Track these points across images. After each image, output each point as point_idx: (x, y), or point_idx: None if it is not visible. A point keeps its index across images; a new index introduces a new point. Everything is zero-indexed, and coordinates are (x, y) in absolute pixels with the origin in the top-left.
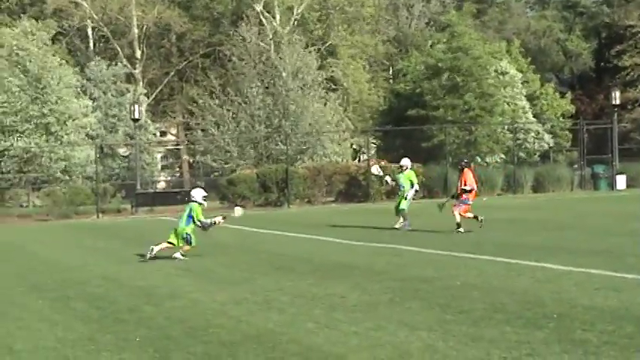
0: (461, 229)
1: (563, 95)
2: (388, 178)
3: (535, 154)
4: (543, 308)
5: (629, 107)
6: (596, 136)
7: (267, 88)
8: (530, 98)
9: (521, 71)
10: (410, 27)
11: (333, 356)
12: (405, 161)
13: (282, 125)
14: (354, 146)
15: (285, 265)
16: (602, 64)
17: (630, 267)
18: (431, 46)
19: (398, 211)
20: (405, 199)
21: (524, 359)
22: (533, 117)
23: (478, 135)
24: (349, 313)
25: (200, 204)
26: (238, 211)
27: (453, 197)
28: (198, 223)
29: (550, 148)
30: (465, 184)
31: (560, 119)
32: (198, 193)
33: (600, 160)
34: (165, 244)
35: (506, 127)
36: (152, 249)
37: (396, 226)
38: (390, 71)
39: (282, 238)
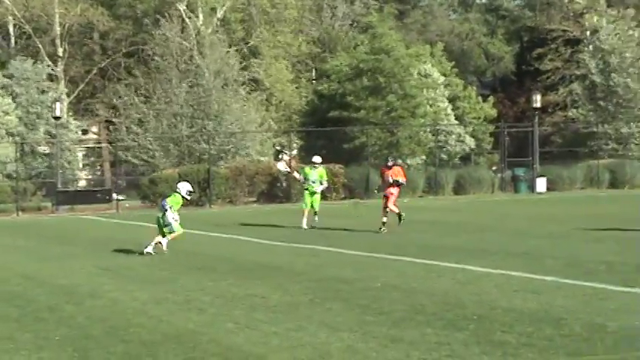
0: (384, 229)
1: (485, 98)
2: (297, 174)
3: (456, 156)
4: (463, 310)
5: (549, 111)
6: (517, 139)
7: (191, 87)
8: (452, 100)
9: (444, 74)
10: (333, 28)
11: (253, 356)
12: (317, 158)
13: (204, 125)
14: (276, 146)
15: (206, 265)
16: (523, 67)
17: (549, 269)
18: (354, 47)
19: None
20: (314, 194)
21: None
22: (455, 119)
23: (400, 136)
24: (270, 313)
25: (183, 197)
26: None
27: (380, 192)
28: (168, 211)
29: (471, 150)
30: (396, 177)
31: (482, 122)
32: (183, 187)
33: (521, 162)
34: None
35: (428, 128)
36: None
37: (303, 226)
38: (314, 72)
39: (204, 238)
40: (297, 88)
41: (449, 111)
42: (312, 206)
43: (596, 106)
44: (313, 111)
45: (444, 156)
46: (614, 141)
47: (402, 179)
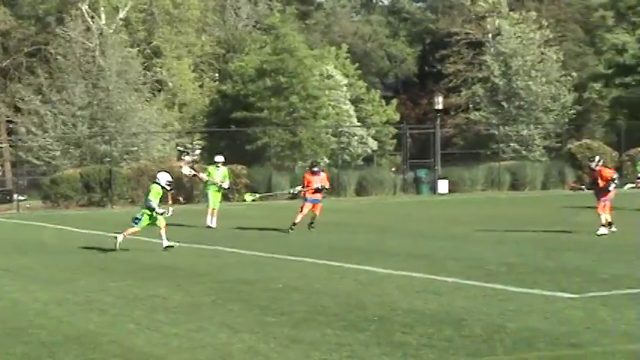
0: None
1: (388, 100)
2: (203, 176)
3: (359, 157)
4: (364, 311)
5: (451, 113)
6: (420, 141)
7: (94, 87)
8: (355, 102)
9: (347, 75)
10: (237, 29)
11: (153, 357)
12: (220, 157)
13: (106, 125)
14: (179, 147)
15: (107, 266)
16: (426, 69)
17: (450, 271)
18: (260, 48)
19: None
20: (219, 191)
21: None
22: (358, 121)
23: (302, 137)
24: (170, 314)
25: (163, 188)
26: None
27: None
28: (148, 202)
29: (374, 152)
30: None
31: (385, 124)
32: (163, 177)
33: (423, 164)
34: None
35: (330, 130)
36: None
37: (211, 225)
38: (218, 72)
39: (105, 239)
40: (200, 87)
41: (351, 112)
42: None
43: (498, 109)
44: (217, 111)
45: (347, 157)
46: (515, 143)
47: (327, 185)
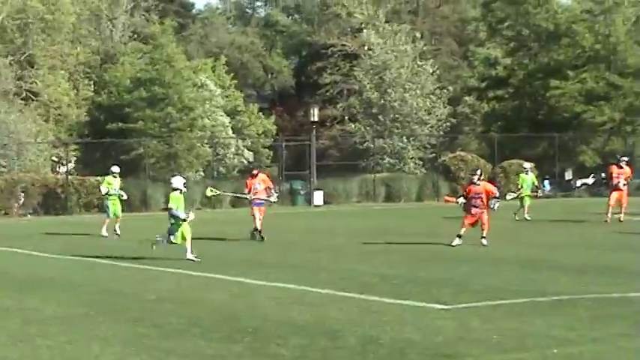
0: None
1: (265, 112)
2: (103, 188)
3: (235, 169)
4: (238, 322)
5: (327, 124)
6: (296, 152)
7: None
8: (231, 114)
9: (223, 87)
10: (112, 40)
11: None
12: (116, 168)
13: None
14: (53, 158)
15: None
16: (302, 80)
17: (325, 282)
18: (139, 59)
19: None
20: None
21: None
22: (234, 132)
23: (178, 149)
24: (43, 326)
25: (181, 191)
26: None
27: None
28: (171, 211)
29: (250, 163)
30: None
31: (261, 135)
32: (178, 181)
33: (298, 175)
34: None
35: (206, 141)
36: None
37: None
38: (93, 83)
39: None
40: (76, 96)
41: (227, 124)
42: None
43: (373, 121)
44: (92, 122)
45: (223, 169)
46: (390, 155)
47: (270, 185)
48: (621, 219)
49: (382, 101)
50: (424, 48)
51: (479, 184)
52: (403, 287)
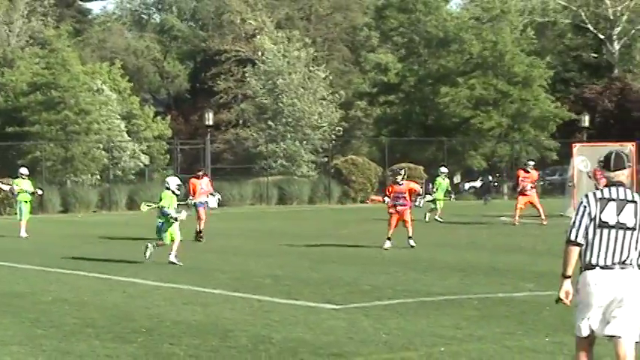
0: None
1: (160, 116)
2: (15, 188)
3: (131, 172)
4: (133, 323)
5: (222, 128)
6: (191, 156)
7: None
8: (127, 118)
9: (119, 91)
10: (9, 44)
11: None
12: (25, 170)
13: None
14: None
15: None
16: (198, 85)
17: (218, 283)
18: (36, 63)
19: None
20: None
21: None
22: (130, 136)
23: (75, 152)
24: None
25: (173, 192)
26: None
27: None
28: (163, 210)
29: (146, 166)
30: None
31: (157, 139)
32: (172, 181)
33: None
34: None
35: (101, 145)
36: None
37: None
38: None
39: None
40: None
41: (122, 128)
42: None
43: (266, 126)
44: None
45: (119, 172)
46: (283, 159)
47: (211, 190)
48: (544, 223)
49: (275, 106)
50: (316, 54)
51: (402, 184)
52: (295, 287)
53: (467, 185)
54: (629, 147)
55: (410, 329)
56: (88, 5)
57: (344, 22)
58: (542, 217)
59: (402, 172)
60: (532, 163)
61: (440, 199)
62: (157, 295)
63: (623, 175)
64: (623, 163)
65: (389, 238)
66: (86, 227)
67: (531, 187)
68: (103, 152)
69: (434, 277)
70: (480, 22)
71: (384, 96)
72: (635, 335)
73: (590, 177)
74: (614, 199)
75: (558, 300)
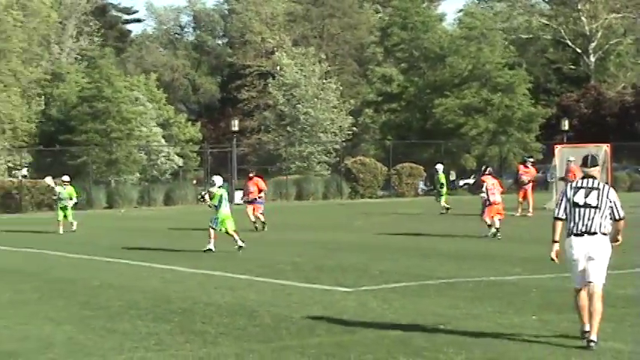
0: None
1: (192, 122)
2: (58, 189)
3: (166, 172)
4: (170, 304)
5: (247, 134)
6: (219, 158)
7: None
8: (162, 125)
9: (156, 101)
10: (60, 60)
11: None
12: (66, 177)
13: None
14: (9, 164)
15: None
16: (225, 95)
17: (244, 269)
18: (83, 78)
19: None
20: (65, 208)
21: (152, 348)
22: (165, 141)
23: (118, 156)
24: (1, 310)
25: (220, 187)
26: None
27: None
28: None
29: (179, 167)
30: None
31: (190, 143)
32: (218, 180)
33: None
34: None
35: (141, 148)
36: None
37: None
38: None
39: None
40: (27, 110)
41: (159, 133)
42: (65, 217)
43: (285, 131)
44: (43, 133)
45: (156, 173)
46: (299, 160)
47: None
48: (529, 214)
49: (293, 114)
50: (329, 68)
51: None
52: (312, 273)
53: (461, 182)
54: (604, 148)
55: (413, 309)
56: (128, 27)
57: (353, 40)
58: (530, 209)
59: (489, 169)
60: (531, 159)
61: (444, 194)
62: (192, 280)
63: (595, 171)
64: (596, 162)
65: (490, 226)
66: (128, 221)
67: (529, 181)
68: (143, 155)
69: (434, 262)
70: (468, 40)
71: (389, 104)
72: (602, 280)
73: (561, 179)
74: (584, 187)
75: (552, 259)
